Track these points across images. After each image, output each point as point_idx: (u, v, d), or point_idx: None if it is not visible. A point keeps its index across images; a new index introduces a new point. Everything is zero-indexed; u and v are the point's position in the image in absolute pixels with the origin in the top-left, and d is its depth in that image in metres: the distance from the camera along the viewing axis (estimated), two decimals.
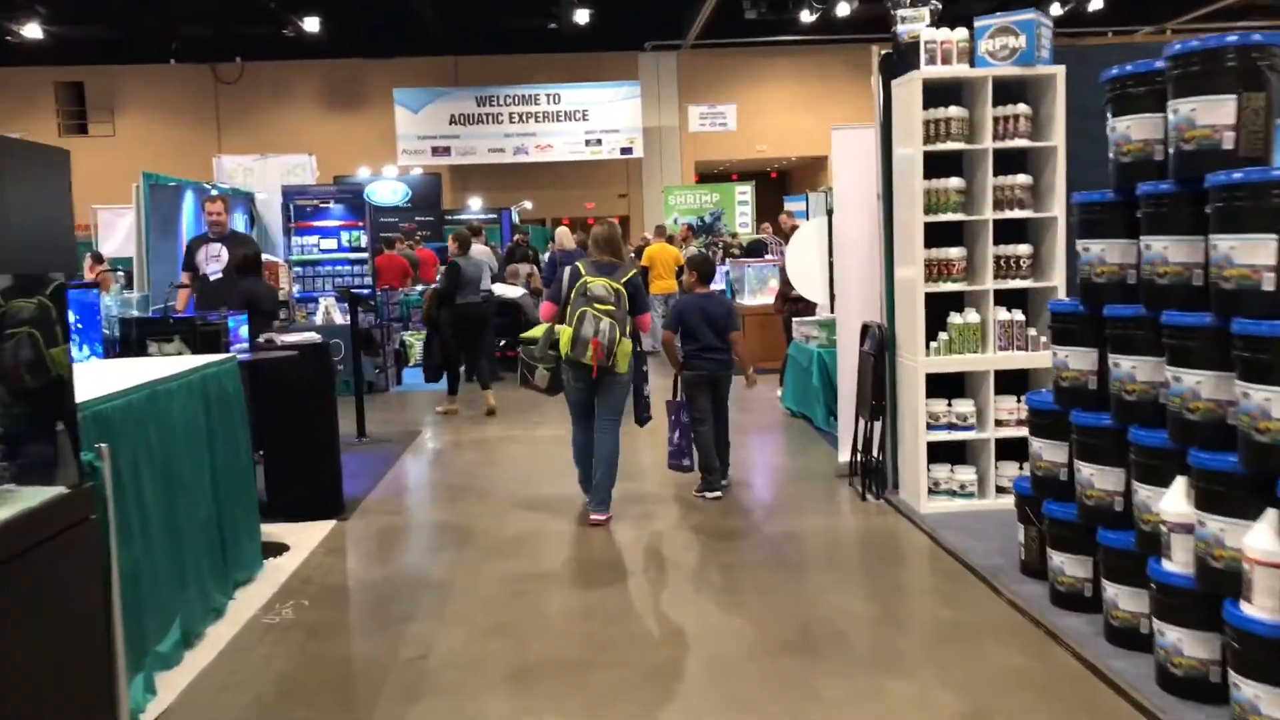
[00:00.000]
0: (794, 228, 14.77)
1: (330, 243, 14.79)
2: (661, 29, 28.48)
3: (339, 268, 14.81)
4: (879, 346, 7.11)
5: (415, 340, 14.69)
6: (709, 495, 7.33)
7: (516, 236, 17.71)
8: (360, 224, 14.77)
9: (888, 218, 7.20)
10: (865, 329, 7.41)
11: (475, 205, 25.71)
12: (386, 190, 23.26)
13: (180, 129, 28.59)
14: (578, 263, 6.68)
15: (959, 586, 5.54)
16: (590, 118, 28.66)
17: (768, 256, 14.16)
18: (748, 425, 10.07)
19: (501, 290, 13.85)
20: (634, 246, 25.04)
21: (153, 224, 12.19)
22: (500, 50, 29.01)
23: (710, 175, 31.48)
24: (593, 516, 6.73)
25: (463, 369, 11.95)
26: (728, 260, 19.07)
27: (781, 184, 33.35)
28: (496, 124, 28.75)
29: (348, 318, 12.65)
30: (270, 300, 9.01)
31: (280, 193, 14.80)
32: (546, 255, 14.60)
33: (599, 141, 28.76)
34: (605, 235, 6.80)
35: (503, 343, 13.92)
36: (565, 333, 6.42)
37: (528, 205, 26.56)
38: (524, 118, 28.73)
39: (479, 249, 12.93)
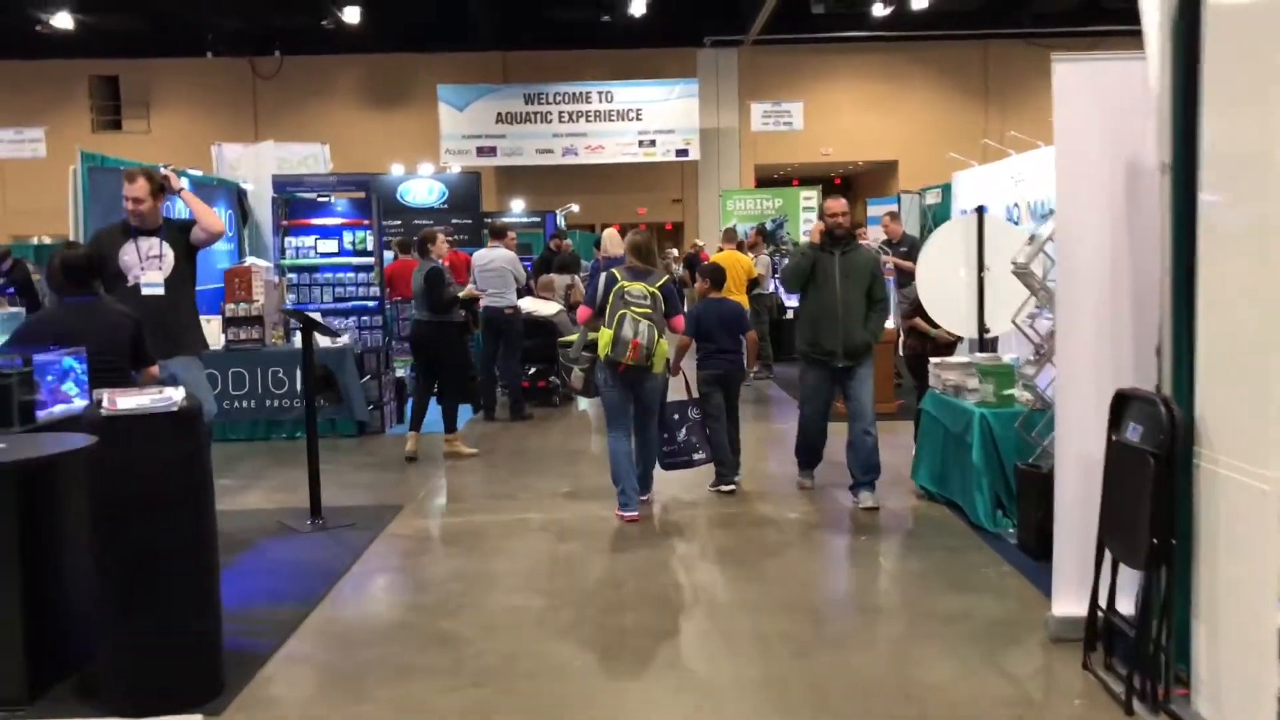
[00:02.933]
0: (902, 234, 11.39)
1: (330, 244, 11.55)
2: (722, 23, 25.11)
3: (340, 275, 11.56)
4: (1165, 439, 3.70)
5: None
6: (723, 489, 7.13)
7: (553, 241, 14.40)
8: (366, 222, 11.53)
9: (1181, 205, 3.79)
10: (1124, 402, 3.99)
11: (518, 208, 22.45)
12: (421, 189, 20.03)
13: (216, 125, 25.51)
14: (613, 269, 6.46)
15: None
16: (644, 117, 25.35)
17: None
18: (865, 514, 6.67)
19: (532, 306, 10.55)
20: (683, 255, 21.78)
21: (93, 214, 9.12)
22: (550, 45, 25.81)
23: (769, 180, 28.05)
24: (641, 497, 6.66)
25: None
26: None
27: (846, 191, 29.83)
28: (545, 123, 25.53)
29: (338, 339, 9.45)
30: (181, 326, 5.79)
31: (270, 184, 11.61)
32: (590, 264, 11.28)
33: (653, 143, 25.44)
34: (644, 243, 6.57)
35: (532, 370, 10.61)
36: (604, 335, 6.20)
37: (574, 209, 23.25)
38: (574, 117, 25.48)
39: (500, 254, 9.62)
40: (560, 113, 25.49)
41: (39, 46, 25.00)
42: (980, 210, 7.07)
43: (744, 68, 26.02)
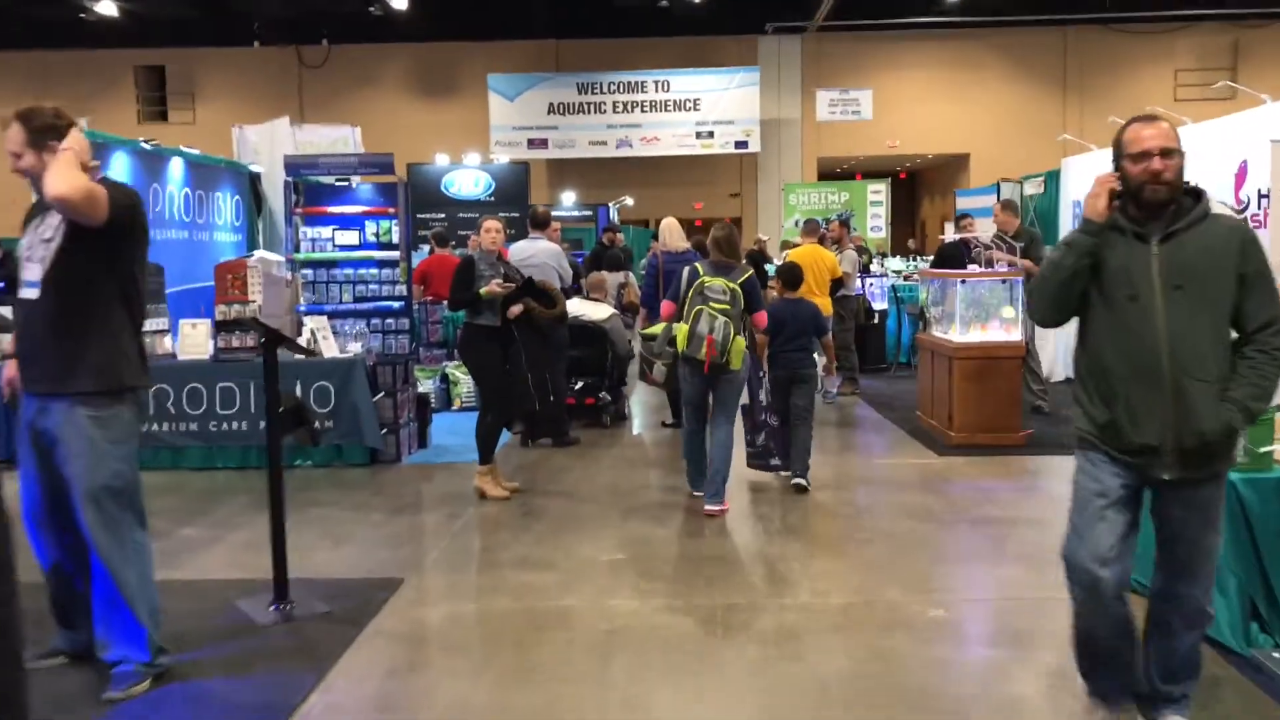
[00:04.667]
0: (1019, 226, 9.28)
1: (349, 236, 9.76)
2: (785, 9, 23.05)
3: (362, 270, 9.78)
4: None
5: (462, 374, 9.58)
6: (794, 482, 6.59)
7: (606, 235, 12.51)
8: (392, 210, 9.72)
9: None
10: None
11: (569, 201, 20.60)
12: (467, 180, 18.26)
13: (262, 114, 23.60)
14: (696, 264, 6.13)
15: None
16: (702, 107, 23.36)
17: (974, 267, 8.64)
18: (1031, 605, 4.65)
19: (579, 309, 8.64)
20: (745, 251, 19.84)
21: None
22: (605, 33, 23.92)
23: (831, 174, 25.94)
24: (708, 508, 6.06)
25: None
26: (882, 268, 13.73)
27: (910, 185, 27.64)
28: (599, 114, 23.63)
29: (348, 347, 7.65)
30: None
31: (282, 165, 9.81)
32: (645, 260, 9.38)
33: (711, 134, 23.44)
34: (725, 237, 6.16)
35: (578, 385, 8.71)
36: (681, 330, 5.92)
37: (628, 202, 21.32)
38: (629, 107, 23.55)
39: (542, 247, 7.70)
40: (615, 103, 23.59)
41: (83, 36, 23.67)
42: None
43: (807, 56, 23.93)
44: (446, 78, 24.50)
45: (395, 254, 9.59)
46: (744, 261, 6.30)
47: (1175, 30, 22.98)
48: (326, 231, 9.67)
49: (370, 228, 9.70)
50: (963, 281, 7.68)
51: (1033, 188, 12.40)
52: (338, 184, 9.68)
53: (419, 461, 7.66)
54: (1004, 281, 7.66)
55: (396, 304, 9.63)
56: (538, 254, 7.58)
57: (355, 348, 7.69)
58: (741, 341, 5.87)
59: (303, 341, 7.54)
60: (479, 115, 23.42)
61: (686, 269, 6.07)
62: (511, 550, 5.48)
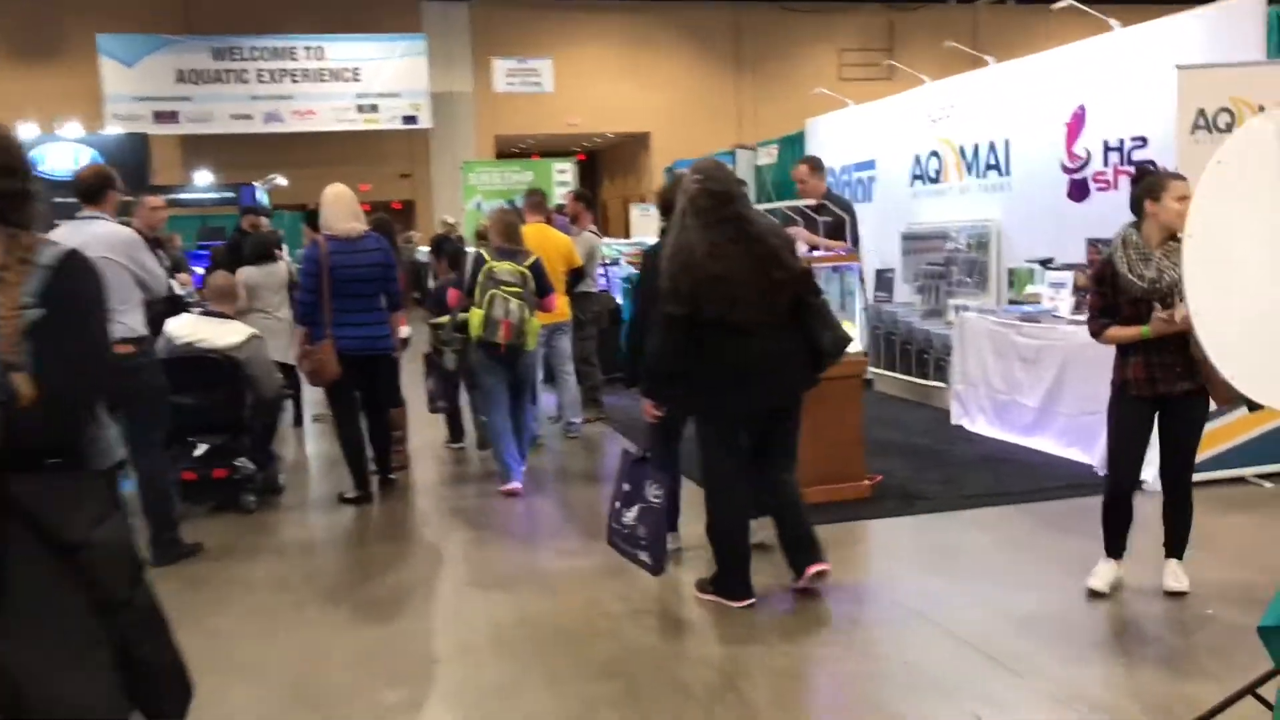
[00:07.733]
0: (827, 191, 6.80)
1: None
2: None
3: None
4: None
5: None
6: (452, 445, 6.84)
7: (246, 220, 8.88)
8: None
9: None
10: None
11: (203, 181, 16.30)
12: (63, 156, 13.69)
13: None
14: (481, 250, 5.85)
15: None
16: (363, 78, 19.68)
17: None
18: None
19: (191, 332, 5.17)
20: (428, 237, 16.64)
21: None
22: None
23: (508, 154, 23.06)
24: (513, 485, 5.68)
25: None
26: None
27: (591, 167, 25.27)
28: (241, 83, 19.31)
29: None
30: None
31: None
32: (306, 250, 6.02)
33: (375, 108, 19.82)
34: (510, 223, 5.89)
35: (200, 450, 5.23)
36: (475, 315, 5.53)
37: (280, 181, 17.23)
38: (277, 76, 19.42)
39: (97, 232, 4.13)
40: (259, 71, 19.35)
41: None
42: None
43: (477, 24, 20.80)
44: (44, 36, 19.08)
45: None
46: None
47: (837, 11, 22.10)
48: None
49: None
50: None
51: (766, 157, 10.18)
52: None
53: None
54: (835, 270, 5.08)
55: None
56: (90, 245, 4.08)
57: None
58: (536, 323, 5.62)
59: None
60: (88, 83, 18.40)
61: (471, 254, 5.81)
62: None
